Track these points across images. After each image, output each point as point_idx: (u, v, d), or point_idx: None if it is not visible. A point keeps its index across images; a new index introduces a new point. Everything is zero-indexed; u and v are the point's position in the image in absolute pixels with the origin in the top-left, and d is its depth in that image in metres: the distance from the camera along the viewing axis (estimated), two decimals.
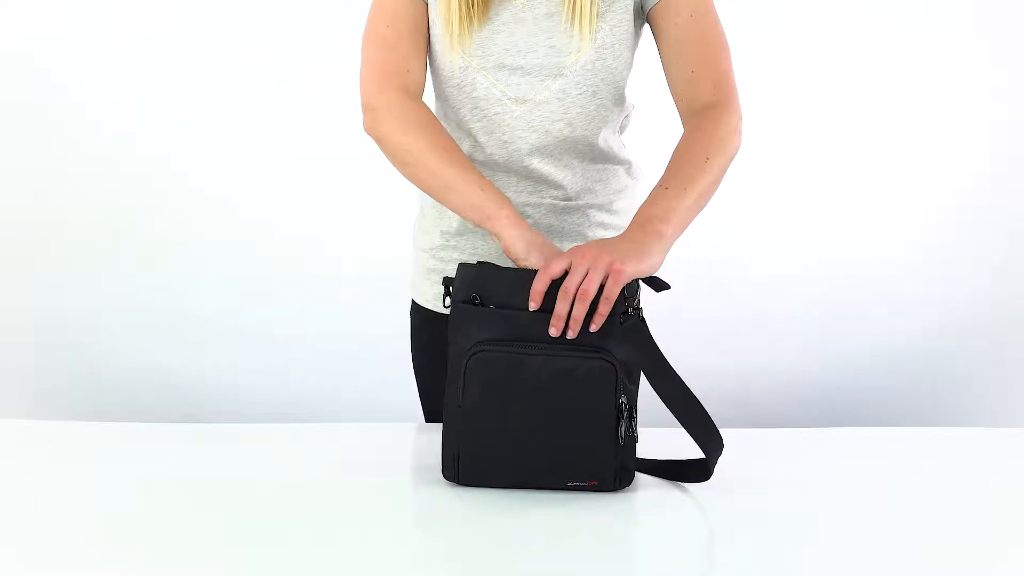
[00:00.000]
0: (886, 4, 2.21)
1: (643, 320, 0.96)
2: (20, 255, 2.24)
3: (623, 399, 0.93)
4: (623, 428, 0.93)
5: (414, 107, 1.12)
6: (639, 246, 0.97)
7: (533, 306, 0.93)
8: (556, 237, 1.23)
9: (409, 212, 1.36)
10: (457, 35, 1.12)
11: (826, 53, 2.23)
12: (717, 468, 0.97)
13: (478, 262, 0.99)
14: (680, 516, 0.93)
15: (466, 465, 0.95)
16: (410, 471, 1.03)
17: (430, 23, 1.15)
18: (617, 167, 1.25)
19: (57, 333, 2.27)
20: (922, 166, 2.29)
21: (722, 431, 0.96)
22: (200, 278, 2.25)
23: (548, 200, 1.21)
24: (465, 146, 1.20)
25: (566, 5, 1.11)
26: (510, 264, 1.05)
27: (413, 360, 1.35)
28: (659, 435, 1.07)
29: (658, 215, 1.01)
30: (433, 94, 1.23)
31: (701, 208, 1.07)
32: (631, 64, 1.19)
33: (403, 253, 1.37)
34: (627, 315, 0.94)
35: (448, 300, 0.99)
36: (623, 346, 0.94)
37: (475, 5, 1.11)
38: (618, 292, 0.92)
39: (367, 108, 1.13)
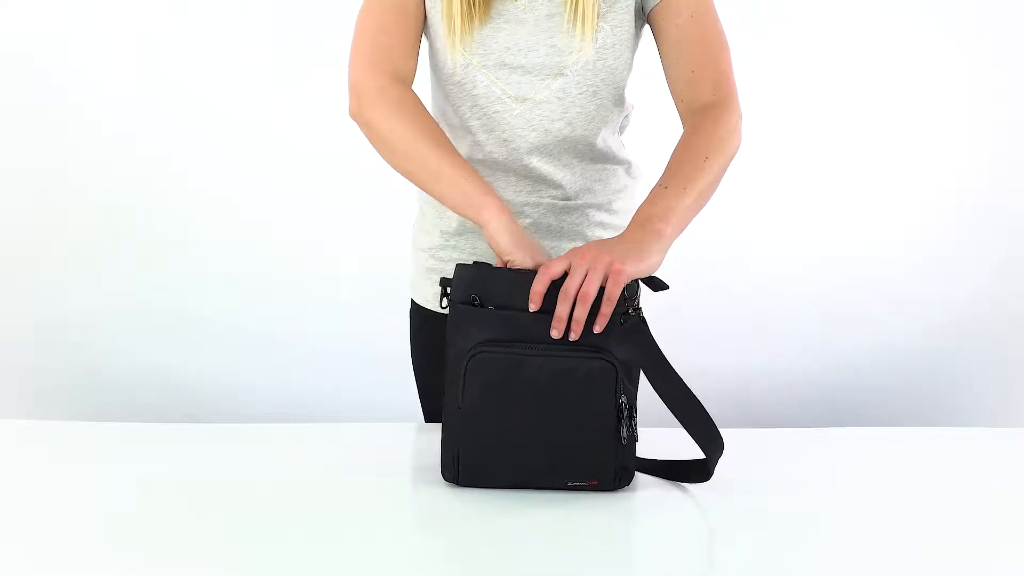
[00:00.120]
0: (886, 4, 2.21)
1: (643, 320, 0.96)
2: (20, 255, 2.24)
3: (623, 399, 0.93)
4: (623, 428, 0.93)
5: (405, 94, 1.11)
6: (638, 246, 0.97)
7: (533, 307, 0.93)
8: (555, 237, 1.23)
9: (409, 212, 1.36)
10: (459, 33, 1.12)
11: (826, 53, 2.23)
12: (717, 468, 0.97)
13: (475, 262, 0.98)
14: (680, 516, 0.93)
15: (466, 466, 0.95)
16: (410, 471, 1.03)
17: (428, 18, 1.15)
18: (616, 167, 1.25)
19: (57, 333, 2.27)
20: (922, 166, 2.29)
21: (722, 431, 0.96)
22: (200, 278, 2.26)
23: (547, 200, 1.21)
24: (464, 145, 1.20)
25: (567, 6, 1.11)
26: None
27: (413, 360, 1.35)
28: (659, 435, 1.07)
29: (657, 214, 1.01)
30: (430, 92, 1.23)
31: (701, 208, 1.07)
32: (631, 65, 1.19)
33: (403, 253, 1.37)
34: (627, 315, 0.94)
35: (445, 301, 0.99)
36: (623, 346, 0.94)
37: (476, 3, 1.11)
38: (619, 292, 0.92)
39: (355, 92, 1.11)
